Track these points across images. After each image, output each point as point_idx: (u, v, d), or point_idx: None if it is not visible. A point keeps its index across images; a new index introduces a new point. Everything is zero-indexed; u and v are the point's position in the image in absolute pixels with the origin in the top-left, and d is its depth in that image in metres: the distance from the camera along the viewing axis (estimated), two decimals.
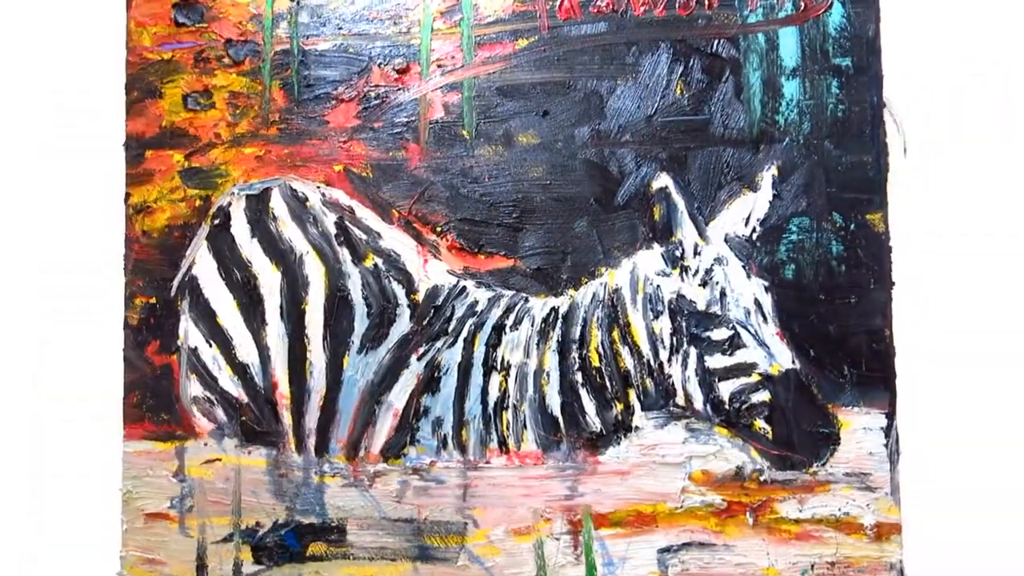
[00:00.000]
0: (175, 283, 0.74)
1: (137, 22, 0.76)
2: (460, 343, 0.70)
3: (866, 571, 0.65)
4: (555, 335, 0.68)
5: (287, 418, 0.72)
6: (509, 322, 0.69)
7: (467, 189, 0.70)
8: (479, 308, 0.70)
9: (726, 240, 0.66)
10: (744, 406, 0.65)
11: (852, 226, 0.65)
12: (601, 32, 0.69)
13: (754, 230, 0.66)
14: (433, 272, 0.70)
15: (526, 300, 0.69)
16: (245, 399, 0.72)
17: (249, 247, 0.73)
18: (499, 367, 0.69)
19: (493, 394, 0.69)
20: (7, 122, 0.84)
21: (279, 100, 0.74)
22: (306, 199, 0.72)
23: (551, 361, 0.68)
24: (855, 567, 0.65)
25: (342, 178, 0.72)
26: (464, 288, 0.70)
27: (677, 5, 0.68)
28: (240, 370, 0.72)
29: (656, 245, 0.68)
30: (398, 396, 0.70)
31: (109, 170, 0.80)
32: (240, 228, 0.73)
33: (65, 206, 0.82)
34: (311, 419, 0.71)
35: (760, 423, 0.65)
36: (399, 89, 0.72)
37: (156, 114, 0.75)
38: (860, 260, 0.65)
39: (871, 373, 0.64)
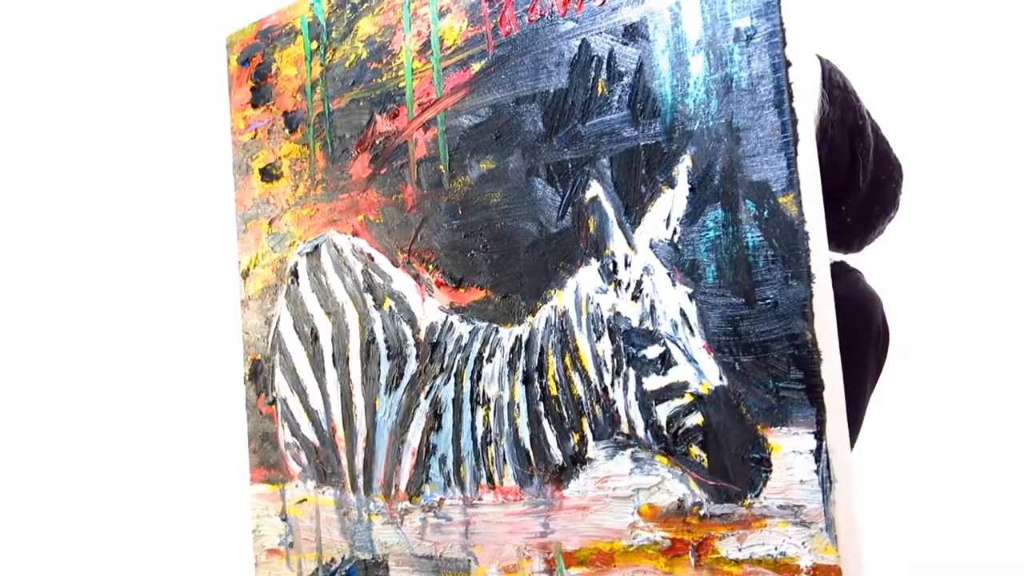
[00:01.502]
0: (269, 339, 1.45)
1: (235, 108, 1.51)
2: (452, 379, 1.24)
3: None
4: (520, 365, 1.18)
5: (344, 459, 1.36)
6: (486, 354, 1.21)
7: (447, 223, 1.25)
8: (463, 343, 1.24)
9: (651, 246, 1.08)
10: (680, 430, 1.06)
11: (766, 213, 1.01)
12: (530, 44, 1.17)
13: (675, 231, 1.06)
14: (429, 310, 1.27)
15: (496, 331, 1.21)
16: (317, 443, 1.39)
17: (310, 301, 1.41)
18: (482, 401, 1.21)
19: (480, 429, 1.22)
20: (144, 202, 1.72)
21: (320, 160, 1.41)
22: (341, 251, 1.36)
23: (520, 392, 1.19)
24: None
25: (364, 227, 1.35)
26: (452, 323, 1.25)
27: None
28: (312, 416, 1.40)
29: (594, 260, 1.12)
30: (414, 435, 1.29)
31: (225, 242, 1.57)
32: (304, 284, 1.41)
33: (201, 273, 1.64)
34: (358, 460, 1.35)
35: (696, 449, 1.05)
36: (394, 134, 1.31)
37: (250, 188, 1.48)
38: (777, 253, 1.00)
39: (795, 385, 0.99)
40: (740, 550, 1.06)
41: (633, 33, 1.15)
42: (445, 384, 1.35)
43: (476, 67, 1.32)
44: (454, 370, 1.34)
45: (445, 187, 1.36)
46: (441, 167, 1.36)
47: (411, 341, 1.40)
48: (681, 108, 1.11)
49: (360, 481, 1.44)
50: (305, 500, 1.50)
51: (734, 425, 1.07)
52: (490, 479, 1.29)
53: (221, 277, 1.75)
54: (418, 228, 1.39)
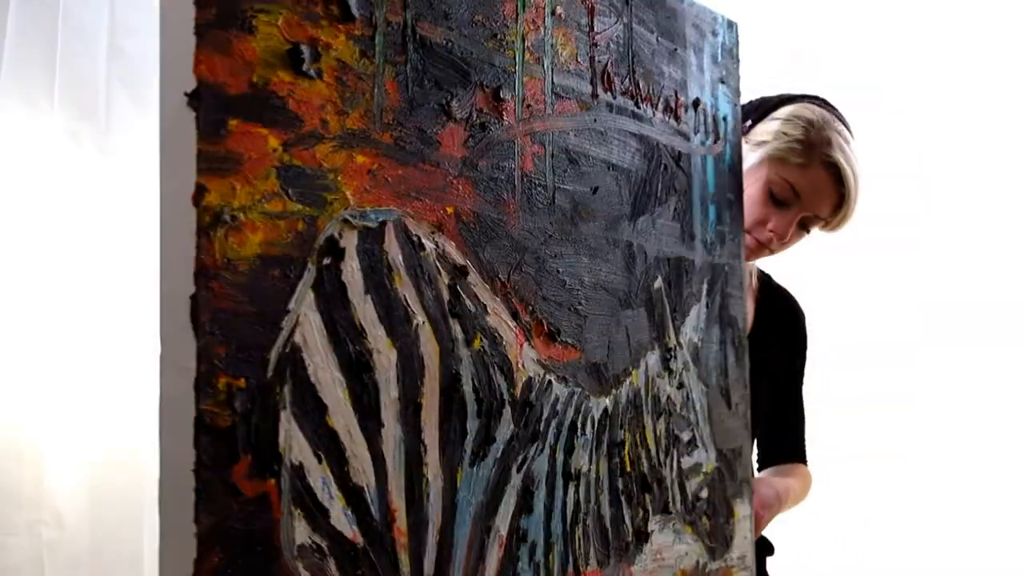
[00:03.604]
0: (273, 355, 0.87)
1: None
2: (547, 449, 1.10)
3: None
4: (605, 439, 1.18)
5: (405, 564, 0.97)
6: (579, 424, 1.14)
7: (550, 263, 1.12)
8: (559, 407, 1.13)
9: (688, 346, 1.31)
10: (698, 503, 1.31)
11: (735, 340, 1.40)
12: (621, 117, 1.24)
13: (700, 338, 1.34)
14: (527, 361, 1.09)
15: (588, 399, 1.16)
16: (361, 541, 0.92)
17: (363, 307, 0.94)
18: (573, 476, 1.13)
19: (570, 508, 1.12)
20: None
21: (392, 95, 0.98)
22: (422, 247, 0.99)
23: (603, 467, 1.17)
24: None
25: (453, 225, 1.03)
26: (550, 383, 1.11)
27: (665, 110, 1.30)
28: (355, 497, 0.92)
29: (656, 346, 1.26)
30: (503, 519, 1.06)
31: (153, 138, 0.83)
32: (353, 277, 0.93)
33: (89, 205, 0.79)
34: (428, 562, 0.98)
35: (704, 518, 1.32)
36: (499, 124, 1.08)
37: (246, 58, 0.87)
38: (739, 371, 1.40)
39: (745, 468, 1.40)
40: None
41: (683, 161, 1.32)
42: (539, 455, 1.04)
43: (583, 107, 1.15)
44: (549, 440, 1.05)
45: (551, 220, 1.08)
46: (547, 196, 1.08)
47: (507, 397, 1.00)
48: (704, 240, 1.35)
49: None
50: None
51: (721, 498, 1.35)
52: (576, 565, 1.08)
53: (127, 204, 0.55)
54: (523, 256, 1.03)
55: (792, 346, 2.07)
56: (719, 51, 1.51)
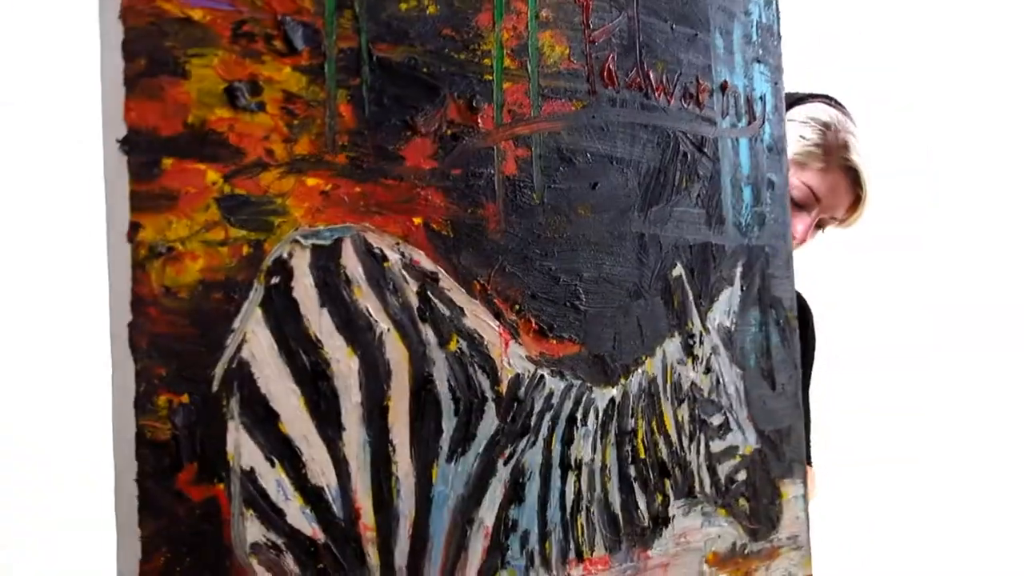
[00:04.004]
0: (218, 371, 0.93)
1: None
2: (540, 442, 1.13)
3: None
4: (613, 428, 1.19)
5: (373, 557, 1.02)
6: (579, 415, 1.16)
7: (540, 262, 1.14)
8: (554, 401, 1.15)
9: (718, 330, 1.31)
10: (733, 485, 1.30)
11: (780, 321, 1.38)
12: (635, 109, 1.24)
13: (733, 322, 1.32)
14: (514, 358, 1.12)
15: (591, 391, 1.18)
16: (322, 538, 0.98)
17: (318, 320, 0.99)
18: (573, 466, 1.15)
19: (570, 497, 1.15)
20: None
21: (346, 117, 1.03)
22: (384, 259, 1.03)
23: (611, 456, 1.19)
24: None
25: (421, 235, 1.06)
26: (542, 378, 1.14)
27: (682, 98, 1.29)
28: (314, 497, 0.98)
29: (676, 333, 1.26)
30: (488, 511, 1.10)
31: (97, 182, 0.90)
32: (306, 292, 0.98)
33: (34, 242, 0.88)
34: (400, 554, 1.02)
35: (742, 501, 1.31)
36: (475, 132, 1.10)
37: (179, 102, 0.93)
38: (786, 351, 1.38)
39: (795, 449, 1.38)
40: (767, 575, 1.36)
41: (707, 147, 1.33)
42: (531, 447, 1.10)
43: (578, 105, 1.19)
44: (542, 432, 1.11)
45: (540, 220, 1.14)
46: (535, 196, 1.13)
47: (490, 395, 1.07)
48: (737, 223, 1.36)
49: None
50: None
51: (764, 479, 1.37)
52: (579, 552, 1.14)
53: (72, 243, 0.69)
54: (505, 257, 1.09)
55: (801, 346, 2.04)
56: (753, 30, 1.49)
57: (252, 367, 0.98)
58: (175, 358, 0.93)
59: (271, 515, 0.98)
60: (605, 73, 1.30)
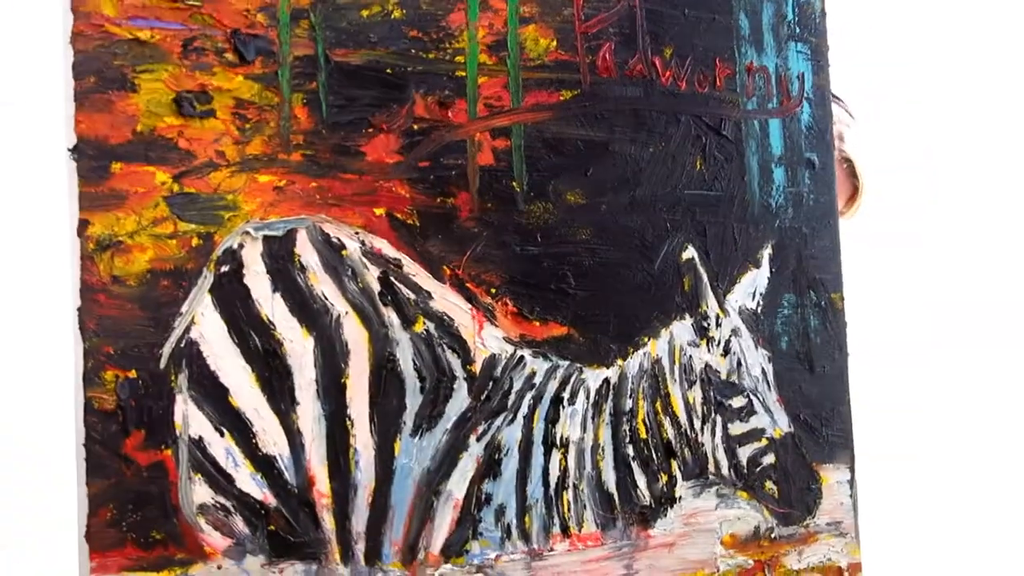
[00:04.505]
0: (166, 350, 1.01)
1: None
2: (519, 420, 1.15)
3: None
4: (607, 408, 1.20)
5: (329, 522, 1.07)
6: (566, 395, 1.18)
7: (520, 248, 1.17)
8: (536, 380, 1.18)
9: (739, 312, 1.28)
10: (758, 469, 1.27)
11: (822, 303, 1.33)
12: (635, 96, 1.24)
13: (759, 304, 1.29)
14: (488, 339, 1.15)
15: (580, 371, 1.19)
16: (273, 502, 1.04)
17: (271, 304, 1.06)
18: (559, 444, 1.17)
19: (554, 474, 1.17)
20: None
21: (302, 119, 1.09)
22: (342, 247, 1.09)
23: (605, 435, 1.20)
24: None
25: (384, 224, 1.12)
26: (521, 358, 1.16)
27: (695, 82, 1.28)
28: (265, 465, 1.05)
29: (687, 315, 1.25)
30: (458, 484, 1.13)
31: (50, 187, 1.01)
32: (257, 279, 1.05)
33: None
34: (359, 520, 1.08)
35: (769, 484, 1.28)
36: (445, 126, 1.14)
37: (127, 113, 1.02)
38: (829, 334, 1.33)
39: (837, 434, 1.33)
40: (800, 561, 1.34)
41: (726, 128, 1.34)
42: (508, 425, 1.17)
43: (566, 94, 1.24)
44: (522, 410, 1.18)
45: (520, 207, 1.20)
46: (515, 184, 1.20)
47: (460, 374, 1.15)
48: (766, 205, 1.36)
49: (360, 548, 1.07)
50: None
51: (797, 463, 1.35)
52: (564, 527, 1.19)
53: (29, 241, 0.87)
54: (477, 244, 1.17)
55: None
56: (790, 9, 1.45)
57: (201, 346, 1.09)
58: (123, 338, 1.05)
59: (219, 480, 1.08)
60: (600, 62, 1.32)
